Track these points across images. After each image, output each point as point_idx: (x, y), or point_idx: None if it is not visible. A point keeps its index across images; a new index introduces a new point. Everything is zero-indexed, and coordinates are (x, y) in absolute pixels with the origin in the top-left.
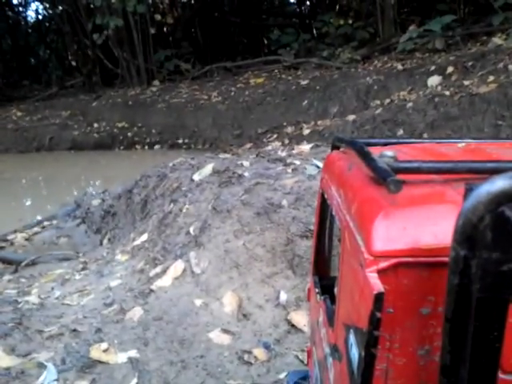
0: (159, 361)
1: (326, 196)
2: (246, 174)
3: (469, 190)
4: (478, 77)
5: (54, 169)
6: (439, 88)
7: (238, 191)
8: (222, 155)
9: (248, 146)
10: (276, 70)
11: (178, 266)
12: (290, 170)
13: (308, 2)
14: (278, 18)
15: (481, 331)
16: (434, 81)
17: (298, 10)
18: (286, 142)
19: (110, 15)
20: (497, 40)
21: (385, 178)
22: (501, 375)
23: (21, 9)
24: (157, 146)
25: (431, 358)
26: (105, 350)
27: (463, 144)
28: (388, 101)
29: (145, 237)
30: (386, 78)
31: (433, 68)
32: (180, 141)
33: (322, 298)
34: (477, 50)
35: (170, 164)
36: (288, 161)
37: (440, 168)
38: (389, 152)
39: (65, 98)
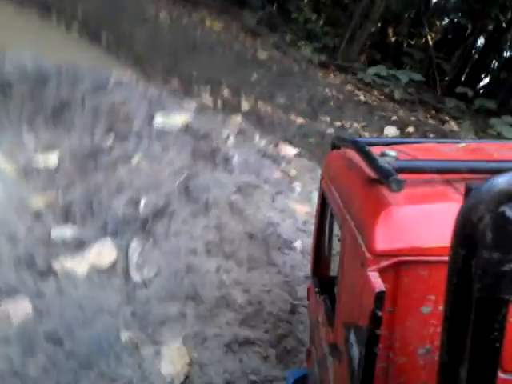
0: None
1: (326, 195)
2: (235, 158)
3: (469, 190)
4: None
5: None
6: None
7: (226, 183)
8: (186, 102)
9: (175, 83)
10: (234, 25)
11: (104, 250)
12: (295, 186)
13: None
14: None
15: (481, 331)
16: (390, 131)
17: None
18: (219, 103)
19: None
20: (452, 125)
21: (387, 177)
22: (501, 375)
23: None
24: (75, 29)
25: (432, 357)
26: None
27: (464, 144)
28: (339, 124)
29: (54, 158)
30: (345, 101)
31: (394, 118)
32: (104, 38)
33: (322, 297)
34: (436, 124)
35: (116, 72)
36: (282, 165)
37: (441, 168)
38: (390, 151)
39: None
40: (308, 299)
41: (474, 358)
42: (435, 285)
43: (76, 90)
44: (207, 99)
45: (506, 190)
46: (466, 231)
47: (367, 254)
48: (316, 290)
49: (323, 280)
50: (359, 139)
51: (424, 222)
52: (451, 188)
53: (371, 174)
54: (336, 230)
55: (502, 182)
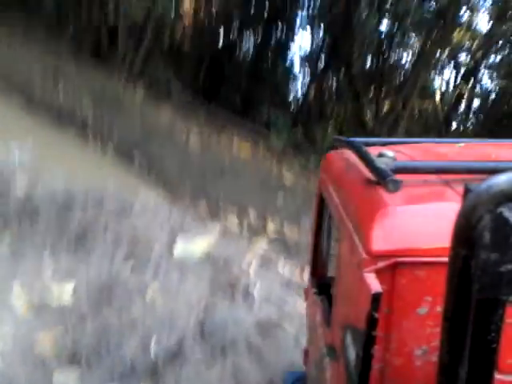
0: None
1: (323, 196)
2: (255, 292)
3: (467, 190)
4: None
5: None
6: None
7: (245, 320)
8: (208, 225)
9: (203, 206)
10: (261, 148)
11: None
12: None
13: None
14: (276, 101)
15: (479, 332)
16: None
17: (296, 106)
18: (245, 226)
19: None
20: None
21: (383, 177)
22: (497, 375)
23: None
24: (110, 152)
25: (428, 358)
26: None
27: (462, 144)
28: None
29: (68, 291)
30: None
31: None
32: (136, 161)
33: (319, 298)
34: None
35: (142, 195)
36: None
37: (438, 168)
38: (387, 152)
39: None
40: (306, 300)
41: (471, 358)
42: (432, 286)
43: (100, 215)
44: (233, 222)
45: (504, 191)
46: (465, 232)
47: (364, 255)
48: (313, 290)
49: (321, 281)
50: (356, 139)
51: (421, 223)
52: (448, 188)
53: (368, 174)
54: (334, 231)
55: (500, 182)
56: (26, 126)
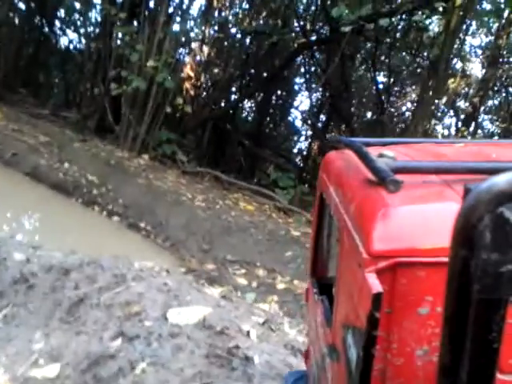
0: None
1: (324, 196)
2: (256, 358)
3: (468, 190)
4: None
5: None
6: None
7: None
8: (208, 289)
9: (210, 267)
10: (267, 205)
11: None
12: None
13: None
14: (280, 159)
15: (480, 332)
16: None
17: (300, 162)
18: (254, 284)
19: (137, 75)
20: None
21: (384, 178)
22: (499, 375)
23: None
24: (116, 218)
25: (429, 358)
26: None
27: (462, 144)
28: None
29: (55, 370)
30: None
31: None
32: (142, 225)
33: (320, 298)
34: None
35: (136, 265)
36: None
37: (439, 168)
38: (388, 152)
39: (50, 125)
40: (306, 300)
41: (472, 358)
42: (433, 286)
43: (94, 285)
44: (241, 281)
45: (504, 191)
46: (465, 232)
47: (364, 255)
48: (314, 290)
49: (322, 281)
50: (356, 139)
51: (421, 223)
52: (449, 188)
53: (368, 174)
54: (334, 231)
55: (500, 182)
56: (31, 199)
